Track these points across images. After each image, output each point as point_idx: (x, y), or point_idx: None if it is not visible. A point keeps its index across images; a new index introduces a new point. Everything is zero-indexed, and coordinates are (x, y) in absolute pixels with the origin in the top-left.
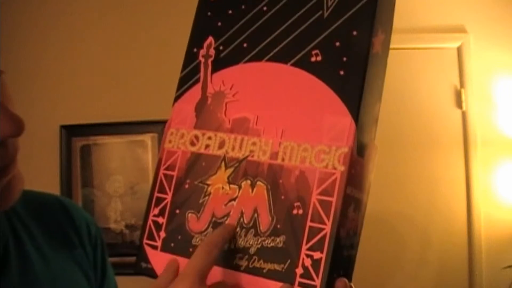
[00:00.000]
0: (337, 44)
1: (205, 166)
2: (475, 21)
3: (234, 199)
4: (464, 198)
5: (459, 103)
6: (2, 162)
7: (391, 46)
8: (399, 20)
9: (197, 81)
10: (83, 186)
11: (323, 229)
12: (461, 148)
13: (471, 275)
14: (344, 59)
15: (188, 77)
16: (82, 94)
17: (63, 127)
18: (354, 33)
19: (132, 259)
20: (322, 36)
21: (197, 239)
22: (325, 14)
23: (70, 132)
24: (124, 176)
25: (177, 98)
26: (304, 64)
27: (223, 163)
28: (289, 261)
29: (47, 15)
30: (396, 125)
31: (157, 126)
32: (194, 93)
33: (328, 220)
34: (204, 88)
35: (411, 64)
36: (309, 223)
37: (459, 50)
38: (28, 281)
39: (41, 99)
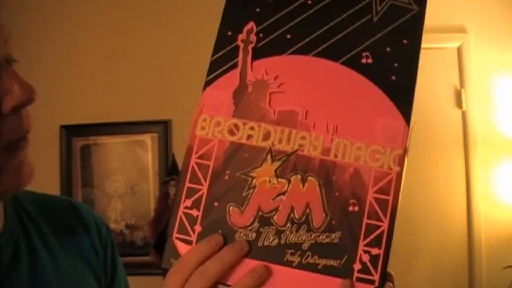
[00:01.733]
0: (388, 49)
1: (248, 157)
2: (475, 21)
3: (283, 194)
4: (464, 198)
5: (459, 103)
6: (15, 133)
7: None
8: None
9: (234, 66)
10: (83, 186)
11: (380, 226)
12: (461, 148)
13: (471, 275)
14: (396, 65)
15: (222, 61)
16: (82, 94)
17: (63, 127)
18: (405, 41)
19: (132, 259)
20: (372, 39)
21: (241, 234)
22: (375, 19)
23: (70, 132)
24: (124, 176)
25: (209, 82)
26: (354, 65)
27: (269, 156)
28: (346, 256)
29: (47, 15)
30: None
31: (157, 126)
32: (231, 78)
33: (386, 217)
34: (243, 75)
35: None
36: (366, 220)
37: (459, 50)
38: (37, 278)
39: (41, 99)
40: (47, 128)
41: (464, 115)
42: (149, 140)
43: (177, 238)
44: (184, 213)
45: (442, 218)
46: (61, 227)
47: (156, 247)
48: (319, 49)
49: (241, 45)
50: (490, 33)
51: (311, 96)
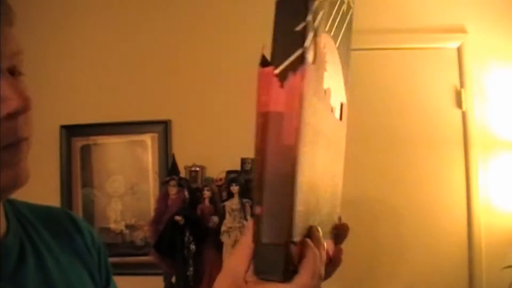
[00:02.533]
0: None
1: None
2: (475, 21)
3: None
4: (464, 197)
5: (459, 103)
6: (9, 138)
7: (391, 46)
8: (399, 20)
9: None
10: (83, 186)
11: None
12: (461, 148)
13: (471, 275)
14: None
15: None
16: (82, 94)
17: (63, 127)
18: None
19: (132, 259)
20: None
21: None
22: None
23: (70, 132)
24: (124, 176)
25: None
26: None
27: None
28: None
29: (47, 15)
30: (396, 125)
31: (157, 126)
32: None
33: None
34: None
35: (411, 64)
36: None
37: (459, 50)
38: (43, 273)
39: (41, 99)
40: (47, 128)
41: (464, 115)
42: (149, 140)
43: (292, 242)
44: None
45: (442, 218)
46: (57, 230)
47: (156, 247)
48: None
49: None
50: (490, 33)
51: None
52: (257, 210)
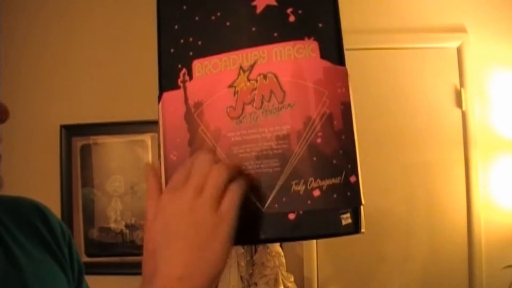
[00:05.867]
0: None
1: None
2: (475, 21)
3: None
4: (463, 197)
5: (459, 102)
6: None
7: (391, 45)
8: (399, 20)
9: None
10: (83, 186)
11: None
12: (460, 148)
13: (471, 275)
14: None
15: None
16: (82, 94)
17: (63, 127)
18: None
19: (132, 258)
20: None
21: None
22: None
23: (70, 132)
24: (124, 176)
25: None
26: None
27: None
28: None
29: (47, 15)
30: (396, 125)
31: (157, 125)
32: None
33: None
34: None
35: (411, 64)
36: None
37: (459, 50)
38: (15, 272)
39: (41, 99)
40: (47, 128)
41: (464, 115)
42: (149, 140)
43: None
44: None
45: (442, 217)
46: (28, 227)
47: None
48: None
49: None
50: (490, 33)
51: None
52: (353, 178)
